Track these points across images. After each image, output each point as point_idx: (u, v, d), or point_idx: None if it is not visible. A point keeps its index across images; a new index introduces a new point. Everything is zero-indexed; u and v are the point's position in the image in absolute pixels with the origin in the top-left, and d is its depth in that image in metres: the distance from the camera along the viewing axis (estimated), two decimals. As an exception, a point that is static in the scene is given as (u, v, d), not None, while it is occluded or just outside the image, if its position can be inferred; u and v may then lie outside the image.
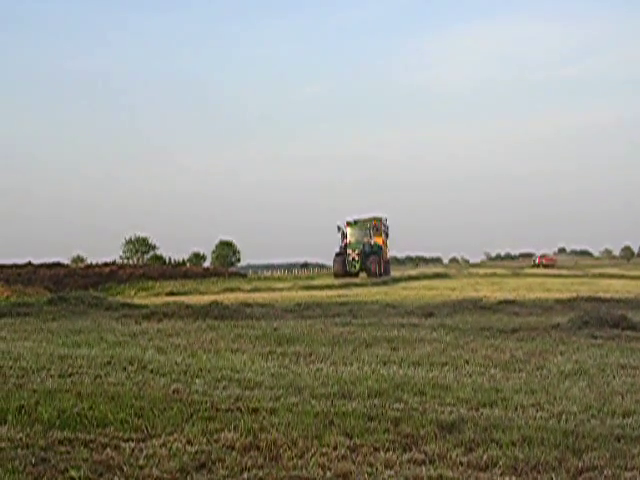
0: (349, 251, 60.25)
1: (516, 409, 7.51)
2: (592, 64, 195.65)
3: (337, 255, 61.65)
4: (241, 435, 6.52)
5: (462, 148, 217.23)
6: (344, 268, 59.44)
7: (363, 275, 59.13)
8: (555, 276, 59.43)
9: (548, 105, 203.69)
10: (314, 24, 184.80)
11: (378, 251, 61.05)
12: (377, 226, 63.44)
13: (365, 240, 61.35)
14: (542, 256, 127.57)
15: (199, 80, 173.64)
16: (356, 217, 65.96)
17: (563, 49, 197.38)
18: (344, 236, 62.34)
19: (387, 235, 67.19)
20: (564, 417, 7.15)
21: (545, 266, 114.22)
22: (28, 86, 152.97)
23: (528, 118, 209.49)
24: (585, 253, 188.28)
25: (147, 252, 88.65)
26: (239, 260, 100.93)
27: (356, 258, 59.66)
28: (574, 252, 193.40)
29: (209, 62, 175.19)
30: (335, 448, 6.17)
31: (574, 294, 23.71)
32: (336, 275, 59.02)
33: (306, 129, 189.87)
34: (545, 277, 55.77)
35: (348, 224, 63.08)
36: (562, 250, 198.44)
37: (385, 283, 45.27)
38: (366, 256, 59.55)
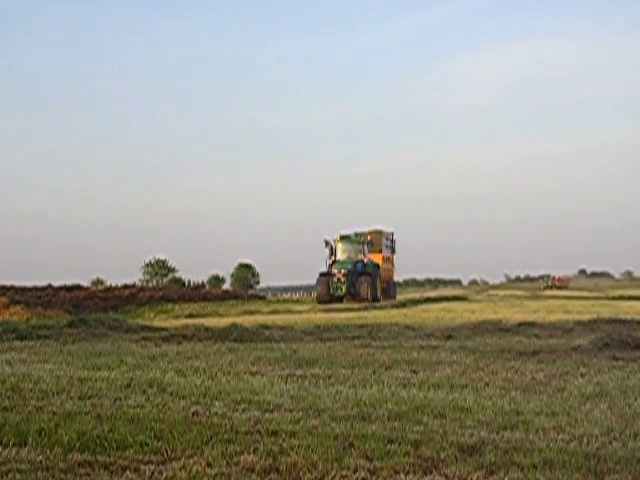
0: (334, 270, 50.27)
1: (537, 432, 7.46)
2: (609, 84, 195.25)
3: (321, 275, 51.36)
4: (261, 458, 6.51)
5: (483, 168, 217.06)
6: (328, 291, 49.72)
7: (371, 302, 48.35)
8: (575, 298, 59.11)
9: (567, 124, 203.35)
10: (336, 45, 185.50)
11: (373, 271, 51.67)
12: (373, 241, 54.33)
13: (359, 257, 51.70)
14: (554, 278, 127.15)
15: (215, 101, 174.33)
16: (357, 230, 56.26)
17: (583, 69, 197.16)
18: (332, 252, 52.47)
19: (393, 251, 59.90)
20: (585, 440, 7.09)
21: (558, 288, 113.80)
22: (41, 111, 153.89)
23: (548, 137, 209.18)
24: (605, 275, 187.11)
25: (166, 275, 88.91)
26: (258, 282, 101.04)
27: (342, 279, 49.59)
28: (594, 274, 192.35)
29: (225, 82, 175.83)
30: (355, 471, 6.14)
31: (595, 316, 23.57)
32: (319, 300, 49.77)
33: (326, 150, 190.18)
34: (565, 299, 55.49)
35: (341, 239, 53.37)
36: (582, 272, 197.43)
37: (404, 305, 44.80)
38: (357, 276, 50.15)
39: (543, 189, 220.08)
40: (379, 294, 52.08)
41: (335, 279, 49.78)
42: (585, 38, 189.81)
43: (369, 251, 52.78)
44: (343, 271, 49.74)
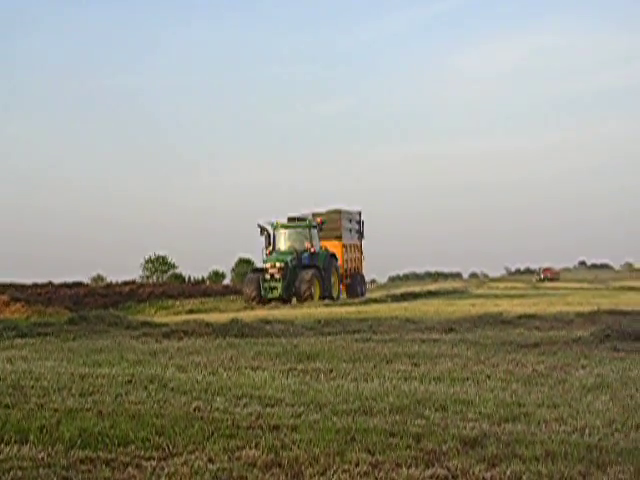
0: (267, 265, 38.54)
1: (539, 424, 7.46)
2: (611, 75, 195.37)
3: (252, 272, 41.22)
4: (262, 452, 6.51)
5: (482, 160, 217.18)
6: (259, 292, 38.14)
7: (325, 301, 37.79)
8: (576, 289, 59.12)
9: (566, 115, 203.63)
10: (334, 40, 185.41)
11: (326, 262, 40.05)
12: (329, 224, 42.97)
13: (304, 245, 39.72)
14: (545, 269, 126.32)
15: (216, 97, 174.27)
16: (315, 211, 44.93)
17: (585, 59, 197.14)
18: (269, 240, 40.39)
19: (361, 236, 47.46)
20: (587, 431, 7.09)
21: (550, 279, 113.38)
22: (51, 103, 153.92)
23: (547, 129, 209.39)
24: (605, 266, 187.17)
25: (167, 271, 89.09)
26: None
27: (276, 276, 37.96)
28: (594, 265, 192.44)
29: (227, 78, 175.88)
30: (357, 465, 6.14)
31: (595, 307, 23.56)
32: (248, 302, 38.40)
33: (327, 144, 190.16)
34: (566, 290, 55.51)
35: (280, 223, 40.96)
36: (582, 263, 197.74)
37: (404, 299, 43.99)
38: (299, 271, 38.68)
39: (543, 181, 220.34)
40: (335, 291, 41.09)
41: (267, 276, 38.33)
42: (588, 29, 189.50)
43: (320, 237, 41.36)
44: (278, 265, 38.17)
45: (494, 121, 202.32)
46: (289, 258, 38.66)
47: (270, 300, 37.78)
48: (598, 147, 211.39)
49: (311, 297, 37.73)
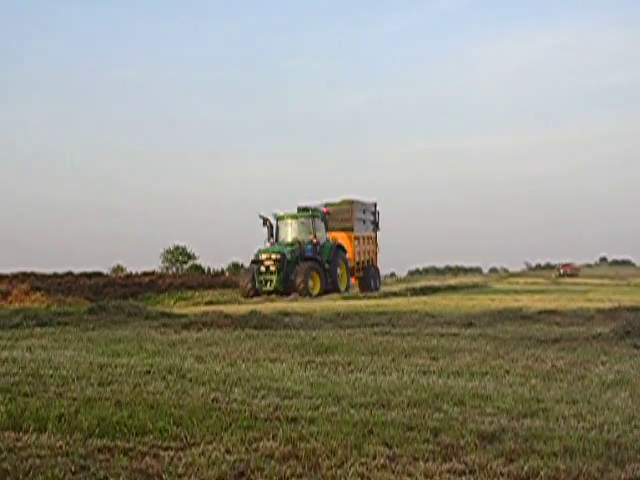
0: (263, 256, 37.03)
1: (557, 419, 7.42)
2: (630, 71, 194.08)
3: (251, 264, 38.56)
4: (280, 444, 6.50)
5: (503, 155, 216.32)
6: (254, 285, 36.90)
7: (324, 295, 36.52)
8: (597, 286, 58.83)
9: (588, 110, 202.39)
10: (351, 34, 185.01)
11: (332, 254, 38.36)
12: (340, 215, 41.51)
13: (308, 237, 38.01)
14: (565, 265, 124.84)
15: (233, 90, 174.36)
16: (328, 201, 42.60)
17: (612, 55, 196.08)
18: (271, 232, 39.07)
19: (376, 228, 45.23)
20: (606, 428, 7.05)
21: (570, 275, 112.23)
22: (65, 94, 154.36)
23: (569, 123, 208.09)
24: (627, 263, 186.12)
25: (186, 262, 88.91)
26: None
27: (272, 268, 36.51)
28: (615, 262, 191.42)
29: (244, 72, 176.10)
30: (374, 458, 6.13)
31: (616, 304, 23.43)
32: (244, 295, 37.20)
33: (349, 138, 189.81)
34: (586, 286, 55.25)
35: (284, 214, 39.65)
36: (603, 260, 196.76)
37: (424, 293, 43.73)
38: (297, 263, 37.08)
39: (564, 177, 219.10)
40: (342, 285, 39.18)
41: (262, 268, 36.81)
42: (606, 25, 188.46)
43: (328, 228, 39.58)
44: (274, 257, 36.67)
45: (513, 116, 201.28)
46: (287, 250, 37.18)
47: (269, 293, 36.49)
48: (618, 141, 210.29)
49: (307, 291, 36.09)
